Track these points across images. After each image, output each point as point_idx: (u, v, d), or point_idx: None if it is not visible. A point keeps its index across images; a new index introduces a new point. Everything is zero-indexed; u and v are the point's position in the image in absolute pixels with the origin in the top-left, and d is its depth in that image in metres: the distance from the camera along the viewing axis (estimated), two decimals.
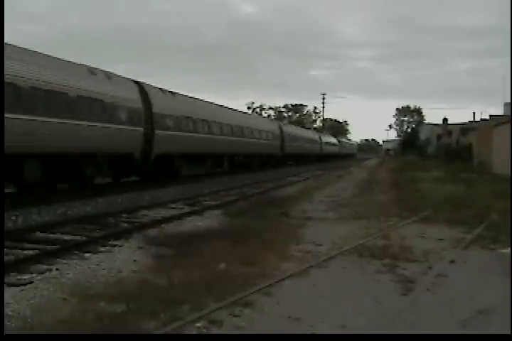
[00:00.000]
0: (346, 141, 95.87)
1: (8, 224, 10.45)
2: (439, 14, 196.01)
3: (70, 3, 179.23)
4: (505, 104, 42.77)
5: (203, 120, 25.81)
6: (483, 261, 7.95)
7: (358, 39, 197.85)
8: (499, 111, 48.76)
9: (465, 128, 52.02)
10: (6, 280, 6.34)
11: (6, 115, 12.12)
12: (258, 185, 23.15)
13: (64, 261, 7.56)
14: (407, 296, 6.02)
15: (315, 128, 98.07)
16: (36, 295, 5.88)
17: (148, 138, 20.11)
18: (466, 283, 6.66)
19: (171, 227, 10.79)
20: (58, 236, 9.58)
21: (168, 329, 4.66)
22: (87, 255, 8.01)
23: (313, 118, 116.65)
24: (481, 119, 46.85)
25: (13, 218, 11.20)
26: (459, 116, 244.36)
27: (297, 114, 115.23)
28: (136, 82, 20.60)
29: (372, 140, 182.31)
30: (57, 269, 7.05)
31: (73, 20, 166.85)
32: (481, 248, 8.97)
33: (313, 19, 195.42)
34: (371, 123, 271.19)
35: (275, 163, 42.48)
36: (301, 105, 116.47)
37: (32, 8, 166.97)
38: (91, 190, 16.44)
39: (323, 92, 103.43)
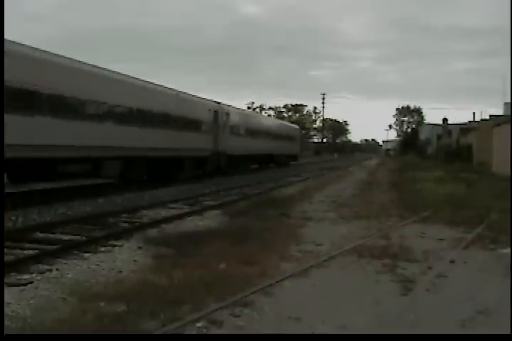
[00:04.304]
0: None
1: (8, 224, 10.45)
2: (440, 14, 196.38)
3: (71, 3, 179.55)
4: (505, 104, 42.78)
5: None
6: (483, 261, 7.94)
7: (359, 39, 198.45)
8: (499, 111, 48.80)
9: (465, 128, 52.01)
10: (6, 280, 6.33)
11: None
12: (258, 185, 23.14)
13: (64, 261, 7.55)
14: (407, 296, 6.02)
15: (315, 129, 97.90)
16: (36, 295, 5.88)
17: None
18: (466, 283, 6.66)
19: (171, 227, 10.79)
20: (58, 236, 9.58)
21: (168, 329, 4.66)
22: (87, 255, 8.00)
23: (313, 118, 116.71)
24: (481, 119, 46.84)
25: (13, 218, 11.21)
26: (459, 116, 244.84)
27: (297, 114, 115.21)
28: None
29: (372, 140, 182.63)
30: (57, 269, 7.04)
31: (74, 19, 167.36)
32: (481, 248, 8.96)
33: (315, 19, 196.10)
34: (371, 123, 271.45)
35: (202, 171, 26.07)
36: (301, 105, 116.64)
37: (33, 8, 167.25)
38: (90, 190, 16.44)
39: (323, 92, 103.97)
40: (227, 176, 27.27)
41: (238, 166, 31.85)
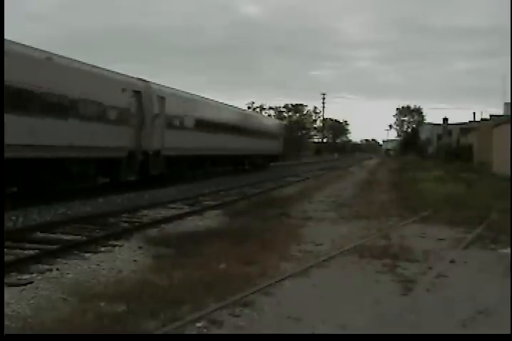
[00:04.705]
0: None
1: (8, 224, 10.44)
2: (440, 14, 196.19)
3: (72, 3, 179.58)
4: (505, 104, 42.77)
5: None
6: (483, 261, 7.94)
7: (359, 39, 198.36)
8: (499, 111, 48.80)
9: (465, 128, 52.02)
10: (6, 280, 6.33)
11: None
12: (258, 185, 23.13)
13: (64, 261, 7.55)
14: (407, 296, 6.02)
15: (315, 129, 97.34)
16: (36, 295, 5.88)
17: None
18: (466, 283, 6.65)
19: (171, 227, 10.79)
20: (58, 236, 9.58)
21: (168, 329, 4.66)
22: (87, 255, 8.00)
23: (314, 118, 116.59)
24: (481, 119, 46.87)
25: (13, 218, 11.20)
26: (459, 116, 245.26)
27: (297, 114, 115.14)
28: None
29: (373, 140, 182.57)
30: (57, 269, 7.04)
31: (75, 19, 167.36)
32: (481, 248, 8.96)
33: (315, 19, 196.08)
34: (371, 123, 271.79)
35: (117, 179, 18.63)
36: (301, 105, 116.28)
37: (34, 8, 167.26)
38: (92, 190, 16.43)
39: (323, 92, 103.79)
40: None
41: (183, 171, 23.56)
